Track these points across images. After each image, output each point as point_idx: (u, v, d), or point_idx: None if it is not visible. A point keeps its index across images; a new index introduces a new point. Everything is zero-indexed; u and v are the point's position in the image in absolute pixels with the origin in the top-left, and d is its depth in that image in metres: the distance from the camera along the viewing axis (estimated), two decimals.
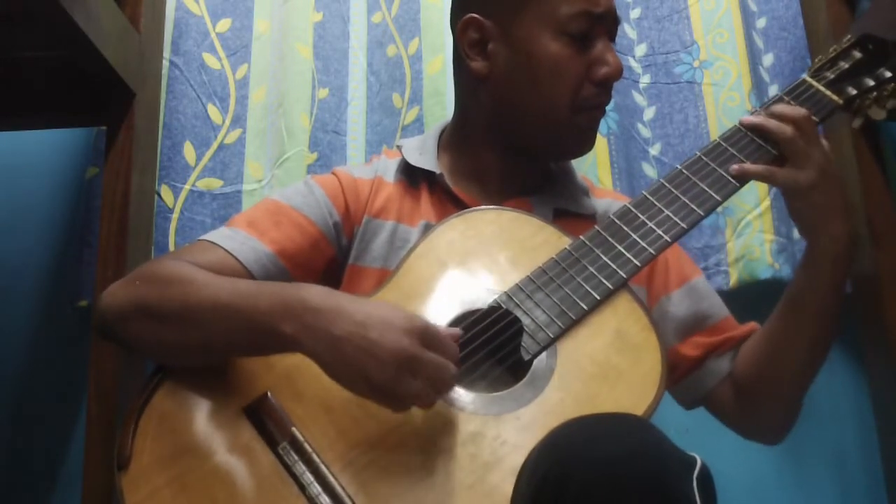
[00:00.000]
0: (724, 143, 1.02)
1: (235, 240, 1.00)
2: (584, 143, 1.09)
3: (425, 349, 0.81)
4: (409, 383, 0.80)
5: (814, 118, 1.00)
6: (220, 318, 0.87)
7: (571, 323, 0.91)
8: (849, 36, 1.11)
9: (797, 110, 0.99)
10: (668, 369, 1.08)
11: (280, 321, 0.83)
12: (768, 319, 1.05)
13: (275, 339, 0.84)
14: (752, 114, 1.03)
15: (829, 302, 0.99)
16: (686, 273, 1.13)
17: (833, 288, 0.99)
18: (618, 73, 1.04)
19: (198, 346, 0.89)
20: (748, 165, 0.99)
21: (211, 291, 0.88)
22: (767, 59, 1.61)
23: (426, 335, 0.82)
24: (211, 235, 1.02)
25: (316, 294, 0.85)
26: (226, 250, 0.98)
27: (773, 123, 0.99)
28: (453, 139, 1.15)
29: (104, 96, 1.36)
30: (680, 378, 1.10)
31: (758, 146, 1.01)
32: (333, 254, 1.06)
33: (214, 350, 0.89)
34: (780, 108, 1.00)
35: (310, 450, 0.84)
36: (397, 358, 0.79)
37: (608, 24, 1.06)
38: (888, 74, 1.05)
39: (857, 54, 1.08)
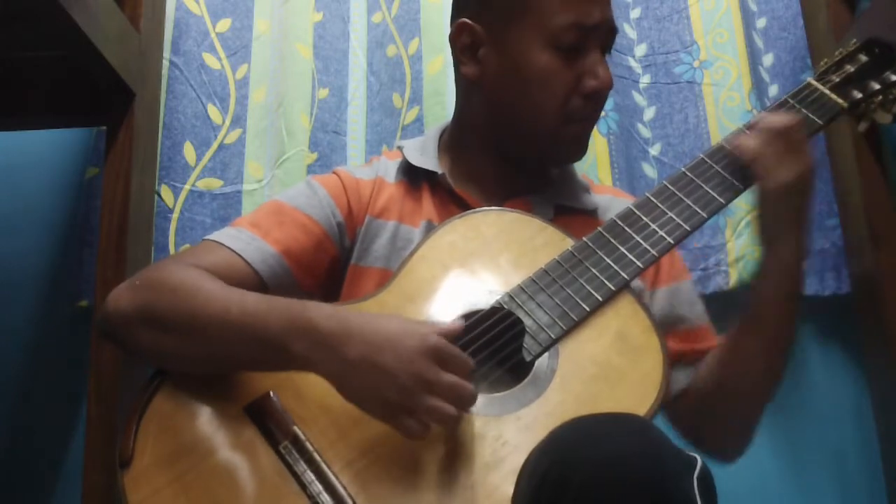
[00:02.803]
0: (727, 146, 1.02)
1: (241, 240, 1.00)
2: (574, 153, 1.09)
3: (440, 369, 0.80)
4: (425, 401, 0.79)
5: (804, 128, 0.99)
6: (229, 334, 0.86)
7: (573, 324, 0.91)
8: (854, 39, 1.10)
9: (785, 118, 0.99)
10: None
11: (291, 341, 0.83)
12: (725, 339, 1.05)
13: (285, 358, 0.84)
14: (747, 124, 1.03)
15: (788, 316, 0.99)
16: (674, 274, 1.13)
17: (788, 299, 0.98)
18: (606, 87, 1.03)
19: (202, 358, 0.89)
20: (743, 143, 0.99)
21: (219, 306, 0.87)
22: (767, 59, 1.61)
23: (440, 354, 0.81)
24: (216, 235, 1.02)
25: (324, 314, 0.84)
26: (232, 251, 0.98)
27: (743, 139, 0.99)
28: (452, 141, 1.15)
29: (104, 96, 1.36)
30: None
31: None
32: (336, 254, 1.06)
33: (219, 363, 0.89)
34: (769, 118, 1.00)
35: (311, 449, 0.84)
36: (413, 380, 0.79)
37: (601, 35, 1.04)
38: (894, 78, 1.05)
39: (863, 58, 1.08)
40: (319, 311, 0.85)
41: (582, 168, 1.49)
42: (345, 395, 0.82)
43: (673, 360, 1.05)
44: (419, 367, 0.79)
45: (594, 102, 1.05)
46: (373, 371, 0.80)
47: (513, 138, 1.08)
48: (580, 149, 1.09)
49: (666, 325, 1.08)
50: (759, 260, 1.01)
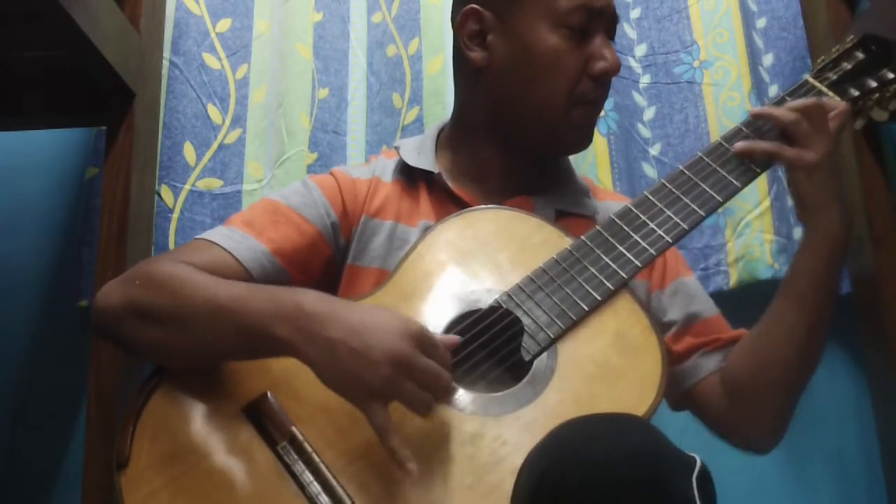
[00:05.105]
0: (725, 144, 1.02)
1: (233, 238, 1.00)
2: (581, 139, 1.09)
3: (421, 354, 0.81)
4: (403, 385, 0.80)
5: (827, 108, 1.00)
6: (214, 320, 0.86)
7: (572, 323, 0.91)
8: (851, 36, 1.10)
9: (807, 100, 1.00)
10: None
11: (273, 325, 0.83)
12: (763, 315, 1.03)
13: (268, 342, 0.84)
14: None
15: (827, 289, 0.99)
16: (678, 271, 1.13)
17: (831, 273, 0.99)
18: (615, 68, 1.05)
19: (191, 349, 0.89)
20: (754, 143, 1.00)
21: (205, 294, 0.88)
22: (767, 59, 1.61)
23: (422, 340, 0.81)
24: (208, 234, 1.01)
25: (311, 298, 0.84)
26: (224, 249, 0.98)
27: (778, 110, 1.00)
28: (452, 138, 1.14)
29: (104, 96, 1.36)
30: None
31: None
32: (331, 254, 1.06)
33: (207, 352, 0.89)
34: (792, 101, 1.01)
35: (310, 449, 0.84)
36: (391, 360, 0.79)
37: (606, 20, 1.06)
38: (891, 76, 1.05)
39: (860, 55, 1.07)
40: (307, 295, 0.85)
41: (582, 168, 1.49)
42: (323, 378, 0.82)
43: (694, 350, 1.07)
44: (399, 351, 0.80)
45: (602, 85, 1.07)
46: (353, 352, 0.80)
47: (519, 126, 1.08)
48: (587, 135, 1.09)
49: (682, 324, 1.09)
50: (802, 236, 1.02)
